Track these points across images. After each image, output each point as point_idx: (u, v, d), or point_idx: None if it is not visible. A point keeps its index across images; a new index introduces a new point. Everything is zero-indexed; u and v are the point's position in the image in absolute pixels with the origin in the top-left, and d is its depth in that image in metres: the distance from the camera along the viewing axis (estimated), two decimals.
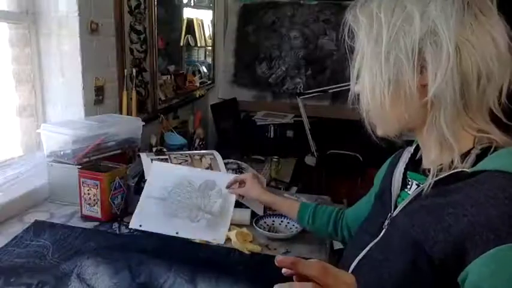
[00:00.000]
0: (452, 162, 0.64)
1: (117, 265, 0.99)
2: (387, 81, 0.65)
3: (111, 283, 0.94)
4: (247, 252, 1.12)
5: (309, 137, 2.69)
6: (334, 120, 2.98)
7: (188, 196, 1.28)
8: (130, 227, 1.21)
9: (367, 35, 0.67)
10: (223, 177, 1.33)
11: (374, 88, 0.66)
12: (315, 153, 2.70)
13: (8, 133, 1.55)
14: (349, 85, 0.72)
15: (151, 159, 1.44)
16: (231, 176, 1.33)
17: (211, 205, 1.26)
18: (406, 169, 0.78)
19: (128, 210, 1.32)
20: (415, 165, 0.77)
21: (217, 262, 1.06)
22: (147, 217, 1.21)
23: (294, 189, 2.23)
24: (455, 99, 0.62)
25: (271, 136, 2.93)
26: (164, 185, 1.30)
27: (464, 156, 0.64)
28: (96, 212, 1.26)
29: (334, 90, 2.63)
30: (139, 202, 1.26)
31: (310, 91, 2.74)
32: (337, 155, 2.96)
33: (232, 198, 1.28)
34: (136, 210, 1.24)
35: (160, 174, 1.34)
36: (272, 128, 2.92)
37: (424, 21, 0.62)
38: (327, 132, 2.86)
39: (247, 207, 1.33)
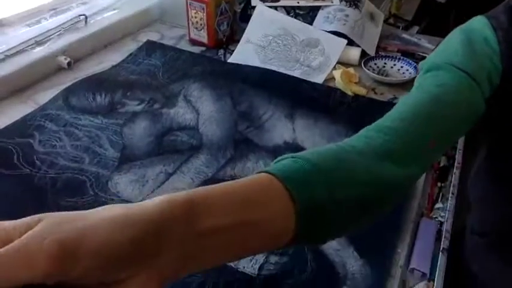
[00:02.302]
0: None
1: (221, 92, 1.02)
2: None
3: (213, 107, 0.98)
4: (350, 93, 1.06)
5: None
6: None
7: (288, 49, 1.20)
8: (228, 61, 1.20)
9: None
10: (329, 38, 1.20)
11: None
12: None
13: None
14: None
15: None
16: (338, 40, 1.18)
17: (310, 60, 1.17)
18: None
19: (233, 37, 1.30)
20: None
21: (317, 100, 1.03)
22: (243, 61, 1.17)
23: (415, 28, 1.97)
24: None
25: None
26: (265, 33, 1.22)
27: None
28: (203, 36, 1.25)
29: None
30: (238, 45, 1.22)
31: None
32: None
33: (334, 59, 1.16)
34: (234, 53, 1.21)
35: (263, 20, 1.24)
36: None
37: None
38: None
39: (358, 46, 1.22)
